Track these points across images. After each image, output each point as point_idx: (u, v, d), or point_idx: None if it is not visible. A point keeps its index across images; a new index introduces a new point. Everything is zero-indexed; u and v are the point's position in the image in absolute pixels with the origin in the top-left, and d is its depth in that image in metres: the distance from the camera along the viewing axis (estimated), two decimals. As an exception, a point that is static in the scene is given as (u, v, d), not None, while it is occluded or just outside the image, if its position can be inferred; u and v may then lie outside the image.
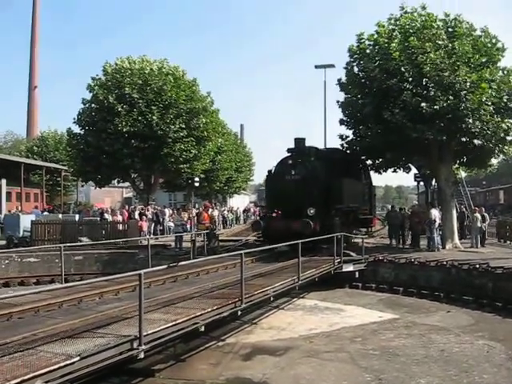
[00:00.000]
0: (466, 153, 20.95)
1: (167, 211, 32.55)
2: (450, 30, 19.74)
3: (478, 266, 15.94)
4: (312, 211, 18.74)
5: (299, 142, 20.66)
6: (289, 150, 20.67)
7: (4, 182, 39.27)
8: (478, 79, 17.92)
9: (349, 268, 17.18)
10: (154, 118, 27.45)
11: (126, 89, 28.00)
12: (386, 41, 19.40)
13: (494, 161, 21.64)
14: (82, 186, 53.31)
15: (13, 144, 74.67)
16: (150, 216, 29.11)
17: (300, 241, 13.92)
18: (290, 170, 19.96)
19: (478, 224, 21.91)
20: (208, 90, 32.16)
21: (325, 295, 15.89)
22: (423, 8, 20.08)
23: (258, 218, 31.77)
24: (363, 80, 20.34)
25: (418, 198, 49.54)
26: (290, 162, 20.20)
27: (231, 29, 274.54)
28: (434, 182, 28.49)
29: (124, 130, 27.06)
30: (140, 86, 28.36)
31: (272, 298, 12.26)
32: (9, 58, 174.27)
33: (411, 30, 19.33)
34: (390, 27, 20.19)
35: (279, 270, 14.82)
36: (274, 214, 20.01)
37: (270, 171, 21.10)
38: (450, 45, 18.71)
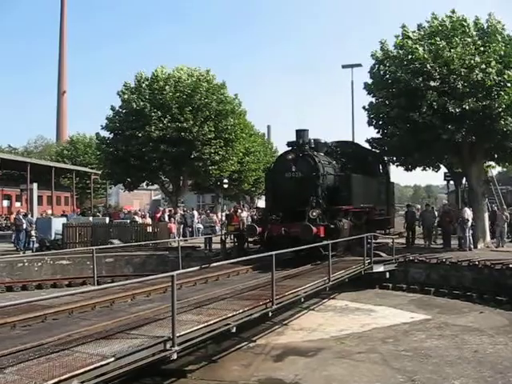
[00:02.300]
0: (498, 150, 20.61)
1: (196, 213, 32.80)
2: (481, 30, 19.44)
3: (511, 265, 15.69)
4: (315, 213, 16.67)
5: (301, 133, 18.31)
6: (289, 144, 18.37)
7: (35, 185, 39.93)
8: (509, 78, 17.63)
9: (379, 268, 16.88)
10: (188, 122, 27.70)
11: (161, 92, 28.32)
12: (412, 43, 19.01)
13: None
14: (110, 187, 54.20)
15: (43, 148, 76.09)
16: (178, 219, 29.31)
17: (330, 242, 13.79)
18: (291, 167, 17.63)
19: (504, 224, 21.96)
20: (235, 92, 32.51)
21: (355, 296, 15.79)
22: (452, 12, 19.82)
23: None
24: (389, 81, 20.08)
25: (448, 198, 48.83)
26: (291, 156, 17.90)
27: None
28: (464, 181, 28.09)
29: (154, 135, 27.38)
30: (172, 90, 28.68)
31: (302, 299, 12.20)
32: (40, 64, 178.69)
33: (438, 29, 19.11)
34: (416, 33, 19.93)
35: (308, 272, 14.76)
36: (274, 217, 17.65)
37: (268, 168, 19.03)
38: (480, 41, 18.46)
